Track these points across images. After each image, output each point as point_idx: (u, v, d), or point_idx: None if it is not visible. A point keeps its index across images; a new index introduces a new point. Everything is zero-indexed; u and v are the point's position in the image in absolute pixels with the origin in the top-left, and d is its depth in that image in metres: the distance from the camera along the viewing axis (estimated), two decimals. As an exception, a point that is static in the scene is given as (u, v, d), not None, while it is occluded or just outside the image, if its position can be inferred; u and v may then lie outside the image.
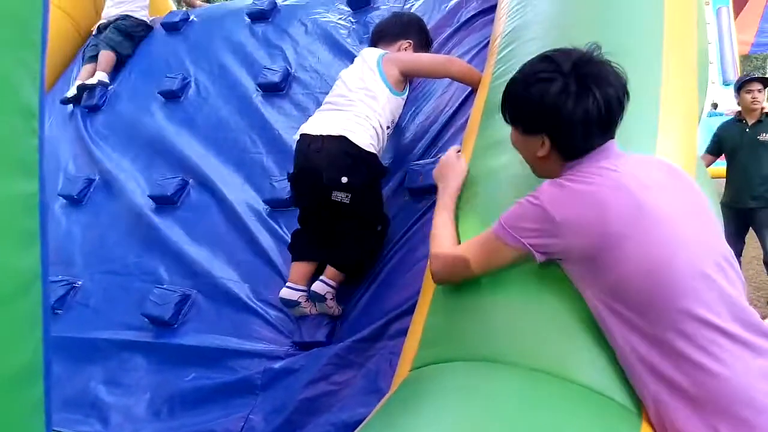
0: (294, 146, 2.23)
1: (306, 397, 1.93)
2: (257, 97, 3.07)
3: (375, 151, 2.16)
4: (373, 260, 2.17)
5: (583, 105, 1.32)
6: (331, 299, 2.09)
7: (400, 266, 2.13)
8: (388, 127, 2.25)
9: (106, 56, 3.67)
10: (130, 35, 3.78)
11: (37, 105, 0.98)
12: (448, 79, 2.46)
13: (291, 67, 3.11)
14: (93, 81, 3.57)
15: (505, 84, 1.48)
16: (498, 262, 1.40)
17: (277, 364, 2.05)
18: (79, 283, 2.77)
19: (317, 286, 2.07)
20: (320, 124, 2.16)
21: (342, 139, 2.07)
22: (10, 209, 0.93)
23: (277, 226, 2.51)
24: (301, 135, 2.18)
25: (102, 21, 3.88)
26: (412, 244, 2.16)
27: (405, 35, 2.42)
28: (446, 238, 1.57)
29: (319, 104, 2.84)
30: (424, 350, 1.51)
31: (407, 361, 1.56)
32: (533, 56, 1.46)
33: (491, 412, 1.19)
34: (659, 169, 1.39)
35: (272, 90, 3.04)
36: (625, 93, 1.36)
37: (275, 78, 3.03)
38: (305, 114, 2.86)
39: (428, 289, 1.67)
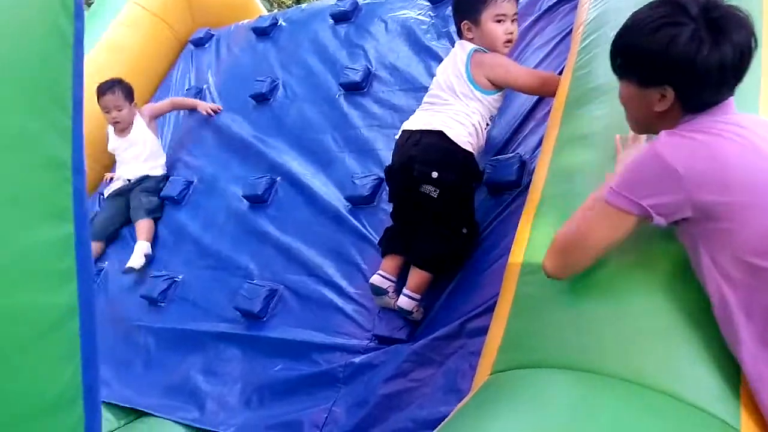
0: (395, 141, 2.26)
1: (386, 393, 1.97)
2: (340, 97, 3.15)
3: (472, 150, 2.13)
4: (458, 263, 2.16)
5: (719, 52, 1.19)
6: (416, 310, 2.10)
7: (478, 264, 2.12)
8: (487, 125, 2.21)
9: (147, 225, 3.28)
10: (158, 194, 3.45)
11: (69, 156, 1.11)
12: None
13: (372, 66, 3.16)
14: (141, 261, 3.10)
15: (616, 35, 1.34)
16: (615, 234, 1.25)
17: (358, 359, 2.11)
18: (180, 277, 2.97)
19: (402, 302, 2.09)
20: (420, 120, 2.19)
21: (440, 134, 2.09)
22: (45, 253, 1.05)
23: (358, 223, 2.56)
24: (402, 131, 2.22)
25: (119, 183, 3.56)
26: (490, 241, 2.14)
27: (459, 20, 2.22)
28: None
29: (399, 101, 2.89)
30: (504, 353, 1.47)
31: (488, 364, 1.53)
32: None
33: (574, 426, 1.14)
34: None
35: (354, 89, 3.10)
36: (755, 42, 1.22)
37: (356, 77, 3.08)
38: (386, 111, 2.92)
39: (509, 288, 1.62)
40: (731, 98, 1.28)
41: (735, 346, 1.16)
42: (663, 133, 1.24)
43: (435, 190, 2.05)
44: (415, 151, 2.10)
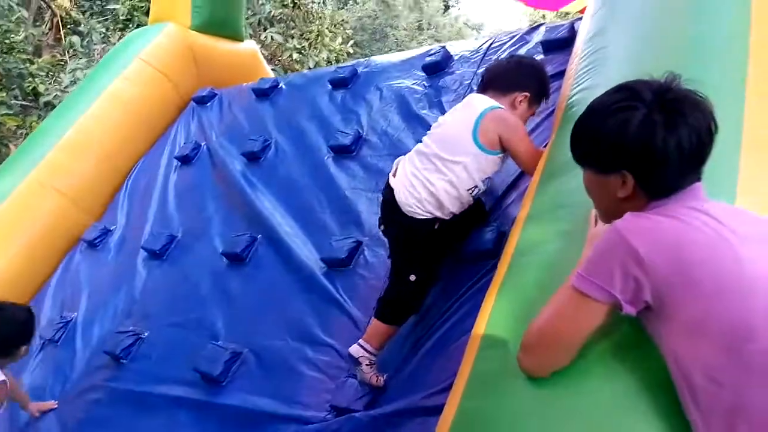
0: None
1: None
2: (328, 159, 3.12)
3: (420, 216, 2.02)
4: (404, 310, 2.09)
5: (675, 134, 1.13)
6: (367, 365, 2.00)
7: (448, 336, 2.00)
8: (471, 189, 2.04)
9: None
10: None
11: None
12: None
13: (363, 131, 3.15)
14: None
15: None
16: (589, 325, 1.15)
17: (309, 427, 1.96)
18: (146, 334, 2.85)
19: (353, 349, 2.04)
20: (397, 169, 2.15)
21: (392, 190, 2.08)
22: None
23: (331, 286, 2.47)
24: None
25: None
26: (462, 313, 2.02)
27: (522, 86, 2.07)
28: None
29: (386, 166, 2.85)
30: (455, 435, 1.36)
31: (438, 446, 1.41)
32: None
33: None
34: (756, 224, 1.15)
35: (343, 152, 3.08)
36: (715, 125, 1.16)
37: (346, 141, 3.07)
38: (371, 175, 2.88)
39: (466, 366, 1.52)
40: (698, 184, 1.20)
41: None
42: (628, 214, 1.17)
43: (387, 241, 2.19)
44: (381, 206, 2.19)
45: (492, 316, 1.49)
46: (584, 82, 2.04)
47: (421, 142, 2.15)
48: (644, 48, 1.90)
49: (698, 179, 1.20)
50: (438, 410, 1.76)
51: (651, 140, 1.14)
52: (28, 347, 2.46)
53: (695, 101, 1.15)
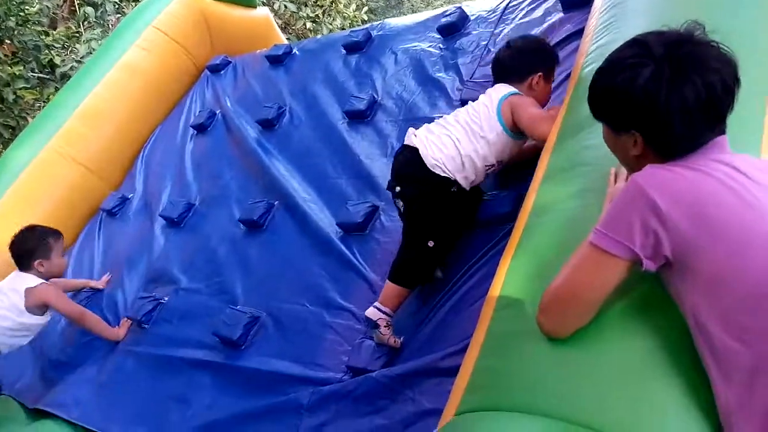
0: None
1: (353, 425, 1.84)
2: (343, 125, 3.09)
3: (443, 174, 2.04)
4: (422, 275, 2.09)
5: (680, 92, 1.09)
6: (385, 327, 2.00)
7: (464, 300, 2.00)
8: (489, 166, 2.11)
9: None
10: None
11: None
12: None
13: (378, 95, 3.11)
14: None
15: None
16: (609, 282, 1.12)
17: (326, 387, 1.99)
18: (166, 299, 2.89)
19: (369, 311, 2.03)
20: (422, 132, 2.16)
21: (414, 150, 2.08)
22: None
23: (347, 251, 2.46)
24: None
25: None
26: (479, 276, 2.02)
27: (533, 69, 2.17)
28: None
29: (400, 131, 2.83)
30: (470, 394, 1.36)
31: (453, 405, 1.41)
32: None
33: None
34: None
35: (358, 117, 3.05)
36: (735, 79, 1.11)
37: (361, 106, 3.03)
38: (386, 140, 2.85)
39: (483, 323, 1.52)
40: (722, 138, 1.16)
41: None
42: (649, 165, 1.14)
43: (401, 204, 2.09)
44: (394, 166, 2.17)
45: (508, 277, 1.47)
46: (602, 38, 1.98)
47: (440, 116, 2.22)
48: (666, 0, 1.83)
49: (720, 133, 1.16)
50: (454, 371, 1.77)
51: (655, 99, 1.11)
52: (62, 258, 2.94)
53: (711, 55, 1.10)
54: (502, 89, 2.14)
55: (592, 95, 1.28)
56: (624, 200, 1.11)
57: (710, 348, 1.04)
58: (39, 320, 2.80)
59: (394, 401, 1.85)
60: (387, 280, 2.08)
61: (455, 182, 2.05)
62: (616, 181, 1.42)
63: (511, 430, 1.15)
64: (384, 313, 2.01)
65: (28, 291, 2.73)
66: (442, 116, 2.26)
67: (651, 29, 1.77)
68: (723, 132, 1.16)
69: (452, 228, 2.13)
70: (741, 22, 1.64)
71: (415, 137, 2.11)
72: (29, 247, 2.85)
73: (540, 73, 2.17)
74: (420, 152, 2.04)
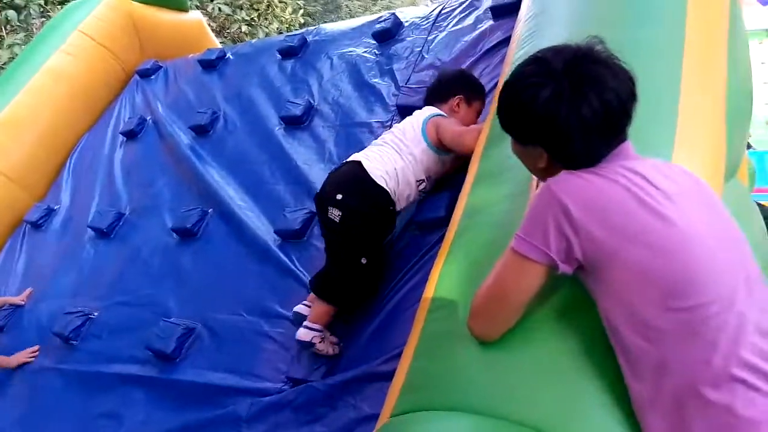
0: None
1: (293, 437, 1.82)
2: (279, 130, 3.06)
3: (386, 187, 2.07)
4: (361, 295, 2.06)
5: (578, 111, 1.14)
6: (319, 342, 1.98)
7: (402, 303, 2.01)
8: (419, 181, 2.17)
9: None
10: None
11: None
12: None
13: (314, 101, 3.09)
14: None
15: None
16: (531, 285, 1.17)
17: (266, 398, 1.96)
18: (95, 314, 2.78)
19: (301, 333, 1.99)
20: (361, 152, 2.20)
21: (356, 164, 2.11)
22: None
23: (286, 258, 2.44)
24: None
25: None
26: (416, 280, 2.03)
27: (453, 92, 2.33)
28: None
29: (338, 136, 2.83)
30: (404, 396, 1.38)
31: (389, 407, 1.42)
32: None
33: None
34: (683, 178, 1.18)
35: (294, 123, 3.03)
36: (631, 94, 1.17)
37: (297, 111, 3.01)
38: (323, 146, 2.85)
39: (416, 328, 1.53)
40: (625, 145, 1.21)
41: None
42: (563, 172, 1.19)
43: (338, 214, 2.04)
44: (332, 177, 2.15)
45: (440, 279, 1.50)
46: (526, 46, 2.04)
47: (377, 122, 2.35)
48: (587, 8, 1.91)
49: (622, 141, 1.21)
50: (392, 375, 1.79)
51: (555, 117, 1.16)
52: None
53: (609, 70, 1.16)
54: (427, 111, 2.26)
55: (498, 108, 1.33)
56: (538, 205, 1.16)
57: (622, 348, 1.10)
58: None
59: (334, 408, 1.84)
60: (317, 300, 2.03)
61: (393, 201, 2.10)
62: (537, 186, 1.47)
63: (444, 429, 1.17)
64: (316, 330, 1.98)
65: None
66: (378, 121, 2.30)
67: (573, 36, 1.84)
68: (622, 140, 1.21)
69: (381, 248, 2.14)
70: (653, 26, 1.72)
71: (360, 153, 2.17)
72: None
73: (461, 96, 2.30)
74: (364, 164, 2.08)
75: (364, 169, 2.08)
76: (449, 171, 2.25)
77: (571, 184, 1.13)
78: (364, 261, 2.03)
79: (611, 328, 1.11)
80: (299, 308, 2.11)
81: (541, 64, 1.20)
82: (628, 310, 1.07)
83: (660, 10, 1.77)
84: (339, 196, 2.04)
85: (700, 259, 1.05)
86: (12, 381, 2.80)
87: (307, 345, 1.98)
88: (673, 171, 1.20)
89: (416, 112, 2.30)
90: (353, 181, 2.07)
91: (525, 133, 1.26)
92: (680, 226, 1.07)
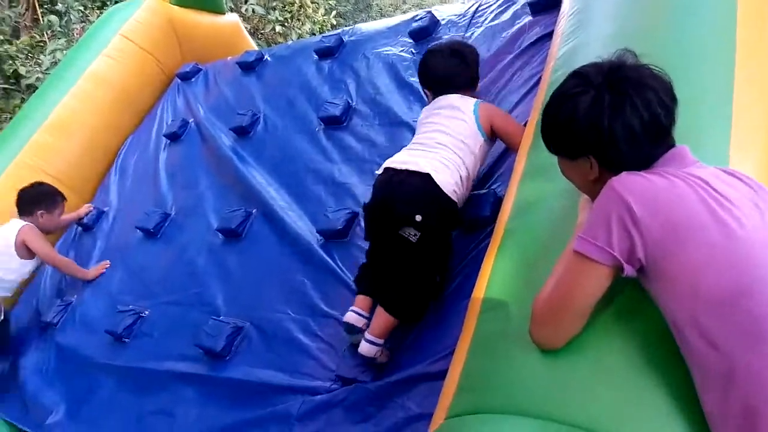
0: (376, 178, 2.13)
1: (344, 435, 1.85)
2: (319, 131, 3.10)
3: (456, 200, 2.02)
4: (425, 308, 2.03)
5: (621, 113, 1.17)
6: (380, 355, 1.98)
7: (449, 303, 2.02)
8: (475, 178, 2.16)
9: None
10: None
11: None
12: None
13: (352, 100, 3.12)
14: None
15: None
16: (595, 288, 1.15)
17: (317, 397, 2.00)
18: (146, 312, 2.86)
19: (364, 348, 1.95)
20: (407, 159, 2.05)
21: (426, 177, 1.96)
22: None
23: (329, 258, 2.47)
24: (385, 168, 2.09)
25: None
26: (462, 280, 2.04)
27: (476, 78, 2.29)
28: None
29: (377, 135, 2.84)
30: (459, 397, 1.37)
31: (443, 408, 1.43)
32: None
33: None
34: (742, 184, 1.15)
35: (333, 123, 3.06)
36: (670, 95, 1.19)
37: (336, 111, 3.04)
38: (363, 145, 2.87)
39: (469, 325, 1.54)
40: (679, 148, 1.21)
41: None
42: (624, 172, 1.18)
43: (415, 235, 1.93)
44: (399, 192, 1.97)
45: (492, 279, 1.50)
46: (570, 42, 2.03)
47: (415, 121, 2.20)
48: (631, 3, 1.88)
49: (669, 146, 1.21)
50: (442, 375, 1.80)
51: (598, 123, 1.18)
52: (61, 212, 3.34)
53: (646, 77, 1.18)
54: (464, 100, 2.15)
55: (543, 132, 1.35)
56: (602, 205, 1.15)
57: (689, 352, 1.07)
58: (23, 266, 3.16)
59: (383, 408, 1.86)
60: (384, 314, 1.97)
61: (455, 205, 2.03)
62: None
63: (506, 432, 1.17)
64: (378, 345, 1.96)
65: (19, 231, 3.11)
66: (416, 120, 2.28)
67: (616, 33, 1.83)
68: (672, 145, 1.22)
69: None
70: (702, 20, 1.69)
71: (420, 160, 2.01)
72: (38, 195, 3.26)
73: (477, 82, 2.30)
74: (435, 178, 1.94)
75: (437, 185, 1.95)
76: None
77: (634, 182, 1.13)
78: (438, 279, 2.00)
79: (678, 331, 1.09)
80: (350, 318, 2.03)
81: (579, 77, 1.25)
82: (692, 313, 1.05)
83: (709, 3, 1.74)
84: (418, 218, 1.91)
85: (763, 263, 1.03)
86: (67, 376, 2.90)
87: (370, 360, 1.96)
88: (733, 178, 1.18)
89: (452, 100, 2.16)
90: (430, 199, 1.94)
91: (572, 147, 1.29)
92: (741, 230, 1.05)
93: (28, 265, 3.22)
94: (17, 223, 3.18)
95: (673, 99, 1.20)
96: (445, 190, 1.96)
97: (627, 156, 1.20)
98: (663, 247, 1.08)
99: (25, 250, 3.15)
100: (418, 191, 1.95)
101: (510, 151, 2.29)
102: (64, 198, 3.40)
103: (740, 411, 0.98)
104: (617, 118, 1.17)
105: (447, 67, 2.24)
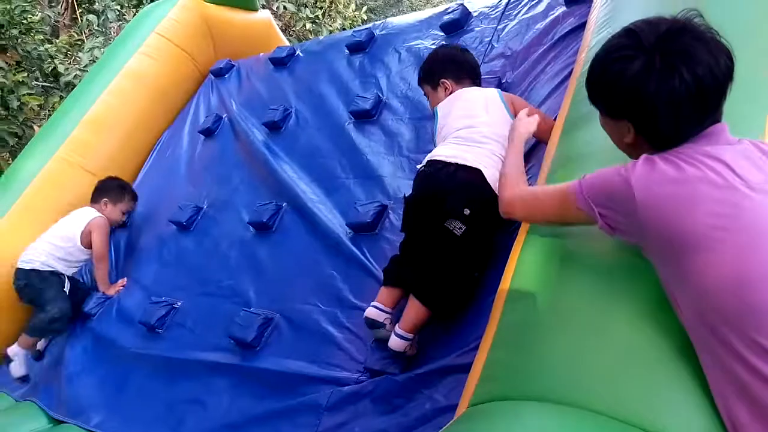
0: (418, 171, 2.13)
1: (372, 424, 1.86)
2: (349, 125, 3.11)
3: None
4: (462, 305, 1.99)
5: (668, 85, 1.11)
6: (409, 349, 1.96)
7: (479, 296, 2.00)
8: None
9: (28, 340, 3.28)
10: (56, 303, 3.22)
11: None
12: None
13: (383, 94, 3.12)
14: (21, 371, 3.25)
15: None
16: (571, 221, 1.34)
17: (346, 388, 2.01)
18: (179, 304, 2.91)
19: (393, 343, 1.93)
20: (455, 153, 2.05)
21: (476, 172, 1.97)
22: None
23: (358, 251, 2.48)
24: (430, 161, 2.09)
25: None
26: (492, 273, 2.02)
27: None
28: (520, 177, 1.61)
29: (407, 129, 2.84)
30: (482, 386, 1.38)
31: (467, 397, 1.43)
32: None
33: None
34: None
35: (364, 117, 3.06)
36: (727, 72, 1.12)
37: (366, 105, 3.05)
38: (393, 139, 2.87)
39: (494, 319, 1.53)
40: (718, 126, 1.17)
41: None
42: (642, 160, 1.18)
43: (461, 228, 1.93)
44: (450, 184, 1.97)
45: (517, 270, 1.50)
46: (603, 31, 2.00)
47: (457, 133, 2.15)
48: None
49: (716, 121, 1.17)
50: (470, 367, 1.79)
51: (643, 91, 1.14)
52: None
53: (704, 45, 1.11)
54: (488, 90, 2.23)
55: (587, 80, 1.32)
56: (611, 184, 1.20)
57: (694, 338, 1.11)
58: (82, 253, 3.33)
59: (411, 399, 1.86)
60: (420, 307, 1.95)
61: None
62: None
63: (524, 418, 1.17)
64: (409, 340, 1.95)
65: (90, 221, 3.33)
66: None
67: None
68: (717, 121, 1.18)
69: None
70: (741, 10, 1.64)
71: (468, 155, 2.02)
72: (107, 186, 3.49)
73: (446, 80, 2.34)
74: (485, 174, 1.96)
75: (486, 180, 1.96)
76: None
77: (645, 171, 1.15)
78: (476, 275, 1.98)
79: (682, 312, 1.12)
80: (371, 314, 2.02)
81: (632, 36, 1.18)
82: (696, 308, 1.07)
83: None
84: (467, 211, 1.92)
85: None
86: (103, 366, 2.98)
87: (399, 354, 1.95)
88: (765, 156, 1.14)
89: (481, 92, 2.23)
90: (479, 194, 1.93)
91: (613, 107, 1.26)
92: (750, 220, 1.04)
93: (84, 255, 3.37)
94: (91, 212, 3.39)
95: (729, 75, 1.13)
96: (493, 187, 1.95)
97: (665, 129, 1.18)
98: (668, 242, 1.11)
99: (88, 239, 3.32)
100: (469, 185, 1.96)
101: (540, 143, 2.26)
102: (134, 196, 3.61)
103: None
104: (662, 94, 1.12)
105: (468, 59, 2.35)
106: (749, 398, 0.99)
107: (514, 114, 2.11)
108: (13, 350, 3.24)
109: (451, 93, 2.28)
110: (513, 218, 1.57)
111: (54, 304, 3.17)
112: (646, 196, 1.12)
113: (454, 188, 1.96)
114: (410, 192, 2.14)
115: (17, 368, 3.22)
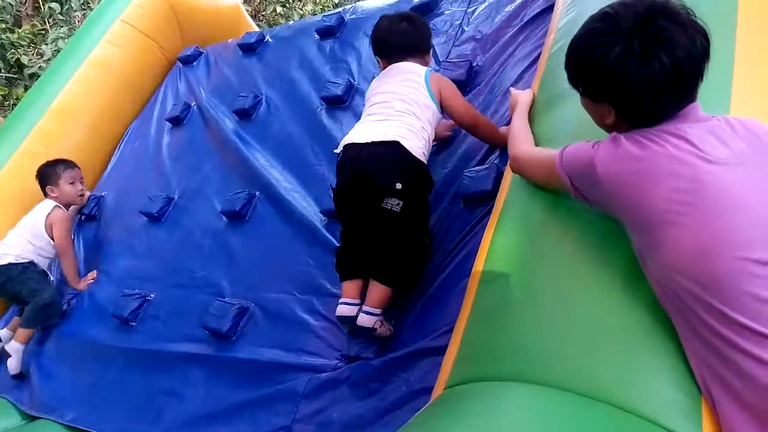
0: (338, 159, 2.11)
1: (350, 409, 1.87)
2: (321, 111, 3.08)
3: (425, 161, 2.06)
4: (421, 274, 2.06)
5: (648, 70, 1.13)
6: (380, 326, 1.98)
7: (451, 279, 2.01)
8: (434, 143, 2.19)
9: (26, 333, 3.14)
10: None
11: None
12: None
13: (354, 80, 3.09)
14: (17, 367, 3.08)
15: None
16: (557, 187, 1.40)
17: (323, 375, 2.01)
18: (152, 296, 2.87)
19: (363, 320, 1.95)
20: (369, 132, 2.03)
21: (396, 145, 1.96)
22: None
23: (333, 238, 2.46)
24: (347, 145, 2.06)
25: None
26: (464, 255, 2.03)
27: (428, 46, 2.30)
28: (528, 138, 1.66)
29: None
30: (459, 366, 1.40)
31: (443, 379, 1.45)
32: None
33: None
34: (745, 138, 1.15)
35: (335, 103, 3.04)
36: (704, 53, 1.14)
37: (338, 91, 3.02)
38: (365, 124, 2.84)
39: (469, 298, 1.55)
40: (692, 105, 1.20)
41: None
42: (612, 135, 1.23)
43: (398, 203, 1.93)
44: (374, 165, 1.96)
45: (491, 251, 1.51)
46: (571, 12, 2.01)
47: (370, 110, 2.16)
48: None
49: (691, 101, 1.19)
50: (444, 350, 1.80)
51: (624, 77, 1.16)
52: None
53: (681, 28, 1.12)
54: (416, 67, 2.15)
55: (567, 64, 1.33)
56: (581, 159, 1.27)
57: (671, 308, 1.14)
58: (53, 247, 3.27)
59: (387, 383, 1.87)
60: (379, 285, 1.97)
61: (425, 165, 2.06)
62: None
63: (500, 399, 1.18)
64: (377, 315, 1.96)
65: (48, 214, 3.26)
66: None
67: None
68: (691, 101, 1.20)
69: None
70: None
71: (385, 129, 2.00)
72: (40, 177, 3.38)
73: (430, 50, 2.31)
74: (404, 144, 1.96)
75: (407, 150, 1.96)
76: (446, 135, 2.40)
77: (609, 150, 1.20)
78: (426, 240, 2.02)
79: (656, 290, 1.16)
80: (343, 311, 2.01)
81: (610, 20, 1.19)
82: (666, 280, 1.11)
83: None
84: (399, 185, 1.92)
85: (723, 228, 1.05)
86: (76, 360, 2.93)
87: (369, 330, 1.96)
88: (734, 133, 1.16)
89: (404, 67, 2.15)
90: (404, 165, 1.95)
91: (594, 91, 1.28)
92: (712, 194, 1.07)
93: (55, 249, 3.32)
94: (48, 205, 3.32)
95: (706, 55, 1.15)
96: (415, 155, 1.98)
97: (645, 111, 1.20)
98: (634, 218, 1.17)
99: (51, 233, 3.27)
100: (392, 159, 1.96)
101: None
102: (67, 165, 3.45)
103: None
104: (642, 79, 1.14)
105: (396, 31, 2.22)
106: (727, 370, 1.01)
107: (437, 96, 2.10)
108: (12, 346, 3.13)
109: (383, 70, 2.26)
110: (519, 174, 1.61)
111: (42, 292, 3.12)
112: (607, 173, 1.17)
113: (380, 167, 1.95)
114: (335, 181, 2.12)
115: (14, 365, 3.12)
